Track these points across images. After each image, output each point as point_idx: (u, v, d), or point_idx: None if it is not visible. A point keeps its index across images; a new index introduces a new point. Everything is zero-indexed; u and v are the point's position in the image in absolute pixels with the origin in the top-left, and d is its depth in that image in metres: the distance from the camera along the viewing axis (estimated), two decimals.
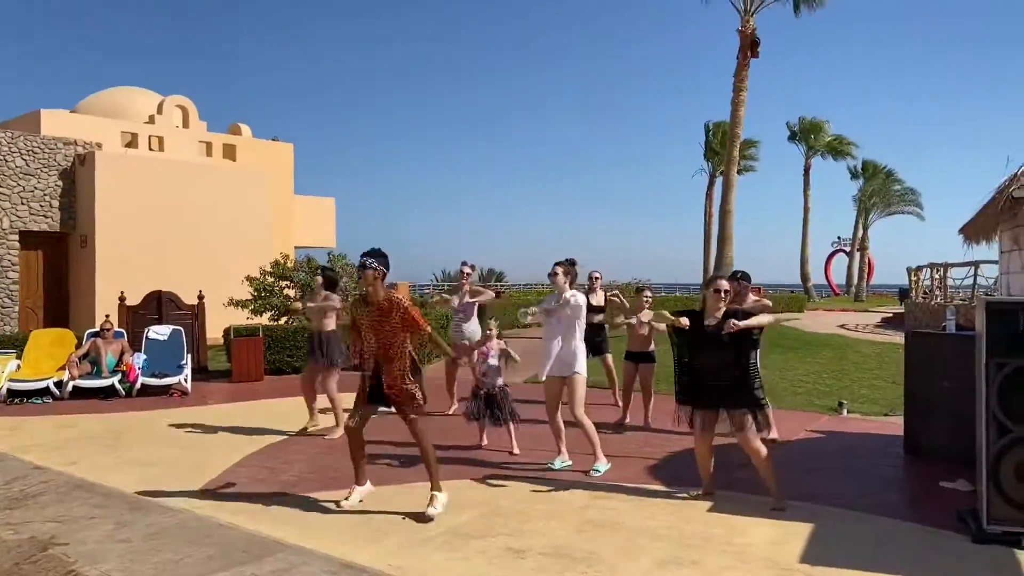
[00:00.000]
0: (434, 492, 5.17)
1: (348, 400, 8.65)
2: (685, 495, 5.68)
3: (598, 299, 9.26)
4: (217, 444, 7.57)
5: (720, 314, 5.45)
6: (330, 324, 8.03)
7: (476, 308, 9.16)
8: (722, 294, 5.49)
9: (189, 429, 8.29)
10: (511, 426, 7.17)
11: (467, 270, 9.10)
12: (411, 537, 4.78)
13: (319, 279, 8.25)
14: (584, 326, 6.49)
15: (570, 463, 6.58)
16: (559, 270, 6.41)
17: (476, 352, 7.39)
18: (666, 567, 4.31)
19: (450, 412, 9.09)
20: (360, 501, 5.37)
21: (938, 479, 6.19)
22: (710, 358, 5.41)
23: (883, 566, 4.33)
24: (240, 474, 6.36)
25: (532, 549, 4.58)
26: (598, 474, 6.27)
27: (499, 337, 7.42)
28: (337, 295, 8.29)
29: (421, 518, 5.03)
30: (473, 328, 9.00)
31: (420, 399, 5.22)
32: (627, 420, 8.75)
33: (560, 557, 4.45)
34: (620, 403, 8.97)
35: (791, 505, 5.44)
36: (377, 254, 5.21)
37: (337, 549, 4.53)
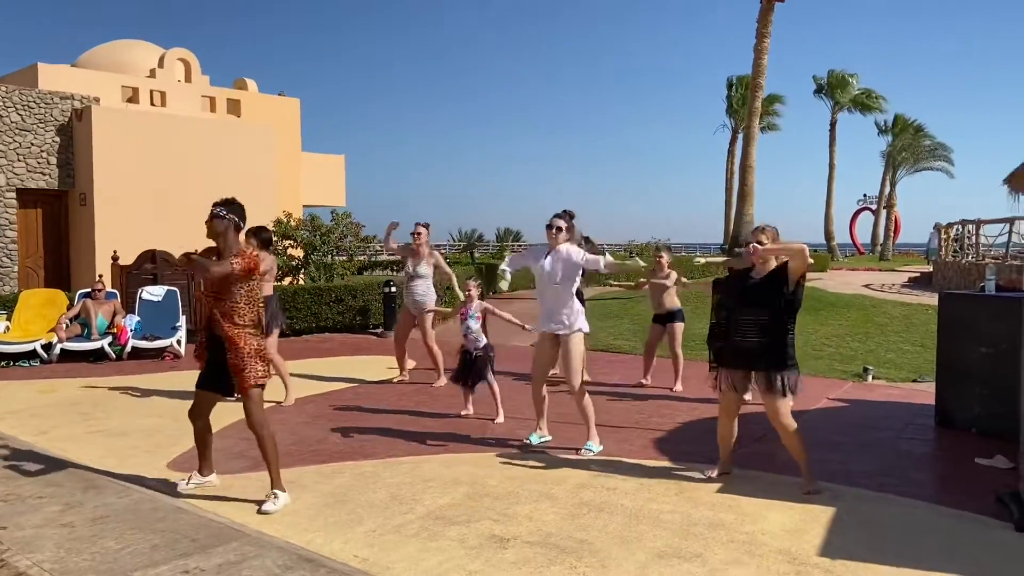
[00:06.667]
0: (275, 490, 4.54)
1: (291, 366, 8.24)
2: (700, 475, 5.15)
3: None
4: None
5: (768, 267, 4.83)
6: (267, 288, 7.25)
7: (431, 273, 8.56)
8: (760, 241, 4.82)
9: (174, 395, 7.87)
10: (495, 390, 6.79)
11: (420, 230, 8.49)
12: (386, 522, 4.31)
13: (253, 240, 7.09)
14: (577, 285, 5.83)
15: (549, 438, 6.06)
16: (562, 224, 5.75)
17: (456, 313, 7.04)
18: (665, 560, 3.81)
19: (395, 381, 8.72)
20: (195, 487, 4.86)
21: (973, 455, 5.65)
22: (746, 314, 4.82)
23: (914, 560, 3.82)
24: (215, 446, 5.90)
25: (518, 537, 4.10)
26: (591, 454, 5.68)
27: (481, 297, 6.97)
28: (272, 255, 7.64)
29: (259, 510, 4.45)
30: (422, 290, 8.45)
31: (259, 371, 4.62)
32: (647, 381, 8.30)
33: (547, 547, 3.96)
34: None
35: None
36: (230, 203, 4.76)
37: (302, 536, 4.08)
